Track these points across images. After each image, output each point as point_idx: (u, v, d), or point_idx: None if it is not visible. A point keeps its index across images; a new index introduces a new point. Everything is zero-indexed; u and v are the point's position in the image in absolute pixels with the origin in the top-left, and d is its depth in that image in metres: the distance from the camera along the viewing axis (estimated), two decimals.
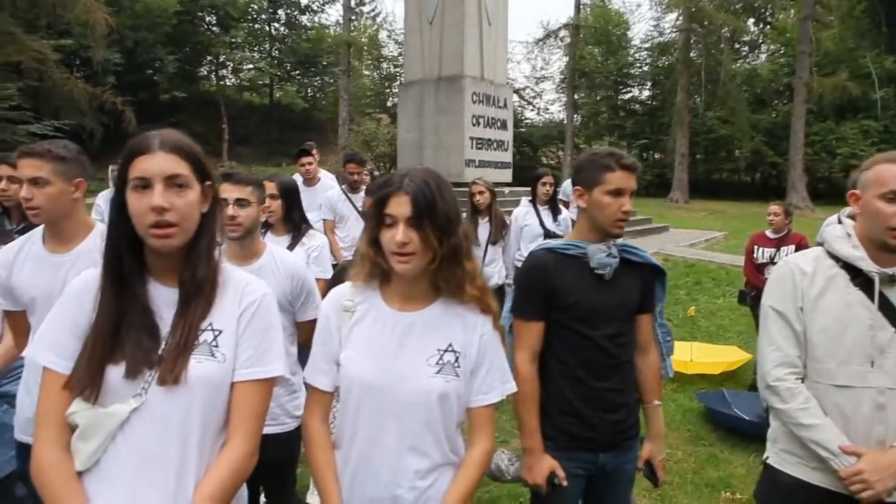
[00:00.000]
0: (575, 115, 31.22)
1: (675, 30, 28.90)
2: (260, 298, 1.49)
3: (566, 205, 6.88)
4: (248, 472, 1.43)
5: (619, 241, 2.21)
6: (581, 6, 30.63)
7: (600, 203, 2.10)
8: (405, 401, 1.56)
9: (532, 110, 36.17)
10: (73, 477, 1.32)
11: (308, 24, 35.03)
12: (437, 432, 1.59)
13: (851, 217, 1.98)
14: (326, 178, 6.15)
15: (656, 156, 30.86)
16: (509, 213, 5.96)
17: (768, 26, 30.56)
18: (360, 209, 5.42)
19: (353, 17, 30.28)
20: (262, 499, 2.78)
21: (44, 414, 1.34)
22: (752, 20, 30.48)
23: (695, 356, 5.81)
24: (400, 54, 30.72)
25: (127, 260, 1.37)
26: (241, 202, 2.42)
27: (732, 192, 27.70)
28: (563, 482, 2.11)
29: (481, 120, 12.79)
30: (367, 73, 35.64)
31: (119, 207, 1.36)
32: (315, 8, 34.45)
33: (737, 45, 31.02)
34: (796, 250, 5.28)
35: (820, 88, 22.35)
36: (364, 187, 5.57)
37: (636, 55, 33.95)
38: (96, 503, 1.31)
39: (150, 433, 1.33)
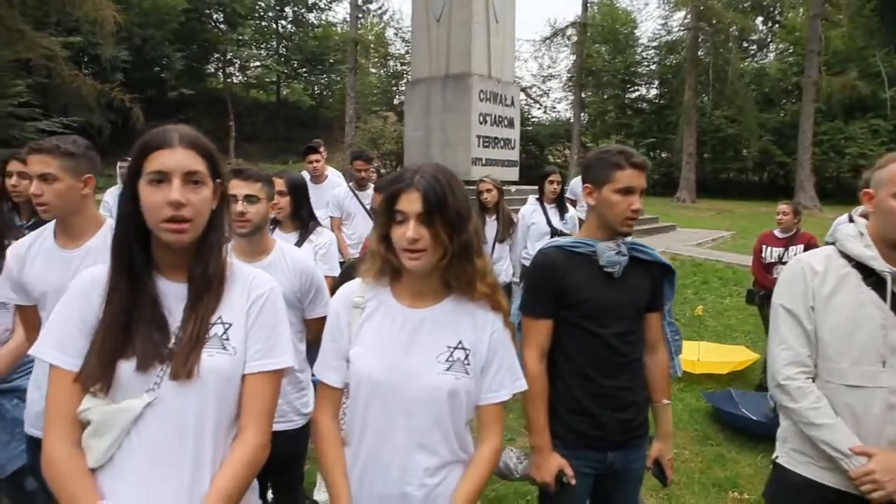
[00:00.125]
0: (582, 114, 31.14)
1: (682, 28, 28.76)
2: (268, 292, 1.51)
3: (573, 203, 6.88)
4: (261, 464, 1.44)
5: (629, 239, 2.20)
6: (588, 4, 30.54)
7: (609, 201, 2.09)
8: (414, 398, 1.55)
9: (539, 109, 36.18)
10: (86, 473, 1.32)
11: (315, 21, 35.11)
12: (446, 430, 1.58)
13: (864, 216, 1.97)
14: (334, 176, 6.16)
15: (663, 155, 30.76)
16: (516, 211, 5.95)
17: (777, 25, 30.37)
18: (367, 206, 5.42)
19: (360, 15, 30.30)
20: (270, 495, 2.78)
21: (53, 411, 1.34)
22: (760, 19, 30.31)
23: (702, 356, 5.79)
24: (407, 52, 30.69)
25: (136, 254, 1.37)
26: (250, 198, 2.42)
27: (740, 191, 27.59)
28: (571, 481, 2.10)
29: (488, 118, 12.77)
30: (373, 70, 35.64)
31: (131, 200, 1.36)
32: (322, 5, 34.50)
33: (745, 44, 30.84)
34: (805, 250, 5.25)
35: (829, 87, 22.20)
36: (371, 184, 5.58)
37: (643, 54, 33.85)
38: (110, 499, 1.31)
39: (164, 428, 1.34)
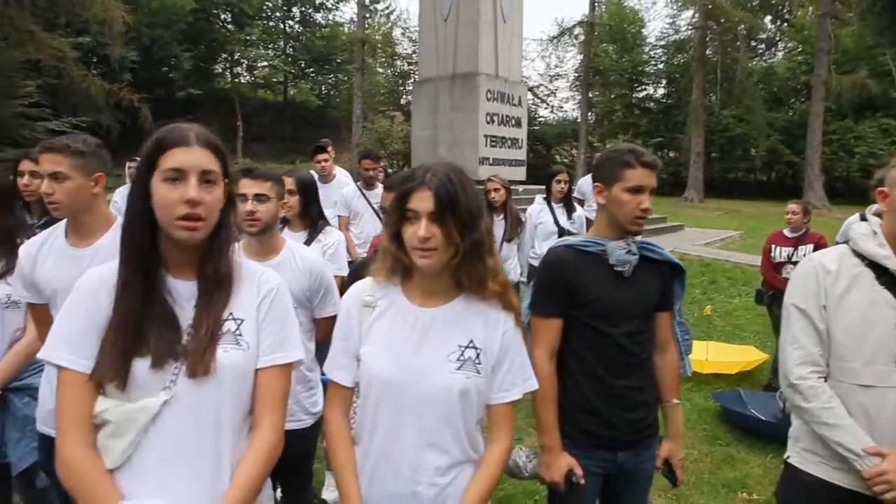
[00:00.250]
0: (589, 113, 31.07)
1: (690, 27, 28.64)
2: (276, 287, 1.53)
3: (581, 203, 6.86)
4: (277, 458, 1.47)
5: (639, 238, 2.20)
6: (596, 3, 30.49)
7: (619, 200, 2.09)
8: (425, 397, 1.55)
9: (546, 108, 36.10)
10: (105, 474, 1.33)
11: (322, 21, 35.21)
12: (457, 429, 1.58)
13: (877, 214, 1.95)
14: (342, 175, 6.17)
15: (671, 154, 30.63)
16: (523, 211, 5.94)
17: (786, 24, 30.19)
18: (375, 206, 5.43)
19: (368, 15, 30.29)
20: (279, 494, 2.79)
21: (66, 414, 1.33)
22: (769, 17, 30.13)
23: (711, 356, 5.76)
24: (414, 52, 30.70)
25: (148, 251, 1.38)
26: (260, 197, 2.42)
27: (748, 191, 27.48)
28: (580, 480, 2.10)
29: (495, 117, 12.76)
30: (381, 70, 35.68)
31: (143, 196, 1.36)
32: (329, 5, 34.59)
33: (753, 43, 30.65)
34: (815, 250, 5.22)
35: (838, 86, 22.06)
36: (379, 183, 5.59)
37: (651, 53, 33.73)
38: (130, 499, 1.32)
39: (182, 425, 1.35)
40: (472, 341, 1.59)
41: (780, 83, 28.49)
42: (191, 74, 29.12)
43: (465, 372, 1.56)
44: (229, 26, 31.17)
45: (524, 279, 5.78)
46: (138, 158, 1.41)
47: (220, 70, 33.46)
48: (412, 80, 28.82)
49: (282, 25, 34.14)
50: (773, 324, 5.83)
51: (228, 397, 1.40)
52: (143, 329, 1.34)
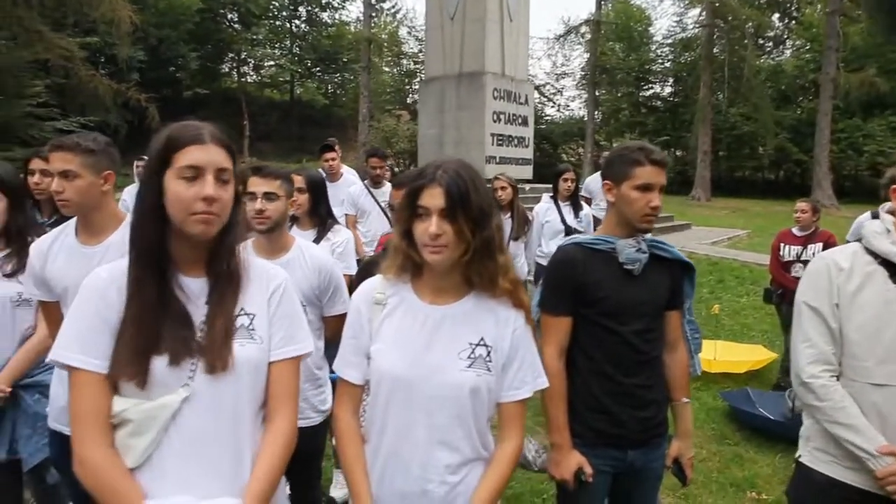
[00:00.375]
0: (595, 112, 30.99)
1: (697, 25, 28.50)
2: (283, 282, 1.56)
3: (588, 201, 6.84)
4: (293, 449, 1.49)
5: (648, 236, 2.19)
6: (602, 2, 30.37)
7: (628, 198, 2.08)
8: (436, 394, 1.55)
9: (552, 107, 36.04)
10: (127, 473, 1.33)
11: (328, 20, 35.23)
12: (467, 427, 1.58)
13: (891, 212, 1.94)
14: (349, 174, 6.19)
15: (678, 153, 30.55)
16: (530, 209, 5.93)
17: (794, 21, 30.04)
18: (382, 204, 5.44)
19: (374, 14, 30.32)
20: (287, 491, 2.79)
21: (83, 415, 1.32)
22: (777, 15, 29.98)
23: (719, 355, 5.75)
24: (420, 51, 30.71)
25: (161, 248, 1.38)
26: (269, 196, 2.43)
27: (755, 189, 27.36)
28: (589, 479, 2.09)
29: (502, 116, 12.73)
30: (387, 69, 35.68)
31: (156, 193, 1.36)
32: (336, 5, 34.60)
33: (761, 41, 30.50)
34: (824, 248, 5.18)
35: (847, 84, 21.93)
36: (386, 182, 5.59)
37: (658, 51, 33.62)
38: (153, 498, 1.32)
39: (202, 421, 1.36)
40: (482, 339, 1.59)
41: (788, 81, 28.32)
42: (198, 74, 29.23)
43: (475, 370, 1.56)
44: (236, 26, 31.26)
45: (531, 278, 5.77)
46: (146, 157, 1.41)
47: (226, 69, 33.54)
48: (418, 79, 28.80)
49: (288, 25, 34.21)
50: (782, 323, 5.81)
51: (246, 391, 1.42)
52: (158, 326, 1.35)
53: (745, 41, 25.97)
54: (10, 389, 2.41)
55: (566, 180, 5.75)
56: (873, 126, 23.94)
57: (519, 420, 1.66)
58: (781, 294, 5.57)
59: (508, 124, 12.90)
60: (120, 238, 2.21)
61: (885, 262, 1.85)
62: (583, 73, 33.43)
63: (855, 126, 24.27)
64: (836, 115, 23.16)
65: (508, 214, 5.50)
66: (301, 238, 2.71)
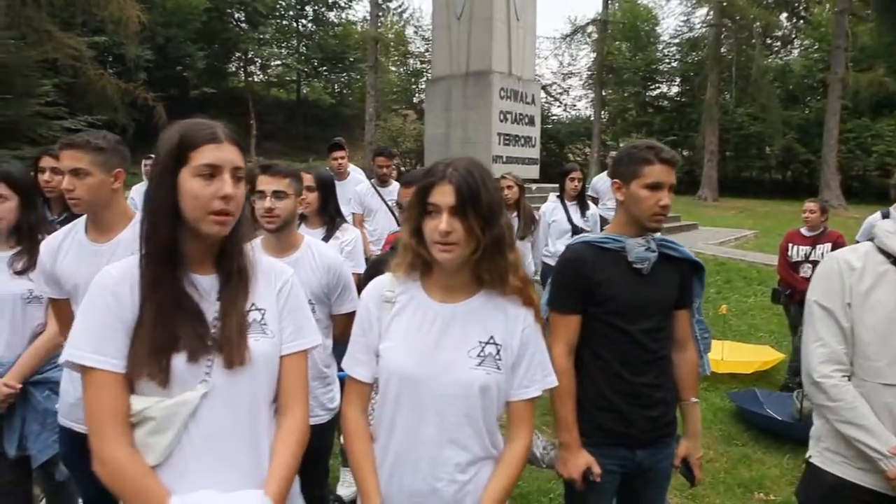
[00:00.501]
0: (602, 112, 30.92)
1: (705, 25, 28.41)
2: (289, 278, 1.59)
3: (595, 201, 6.83)
4: (308, 439, 1.52)
5: (658, 235, 2.18)
6: (609, 1, 30.32)
7: (637, 196, 2.07)
8: (445, 393, 1.54)
9: (559, 107, 36.00)
10: (149, 471, 1.33)
11: (335, 20, 35.21)
12: (477, 425, 1.57)
13: None
14: (356, 173, 6.20)
15: (685, 153, 30.37)
16: (536, 209, 5.92)
17: (802, 21, 29.85)
18: (389, 203, 5.44)
19: (381, 13, 30.38)
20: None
21: (101, 414, 1.32)
22: (785, 14, 29.77)
23: (726, 355, 5.72)
24: (426, 50, 30.73)
25: (174, 246, 1.38)
26: (278, 194, 2.42)
27: (762, 190, 27.23)
28: (597, 479, 2.09)
29: (509, 116, 12.73)
30: (393, 69, 35.69)
31: (170, 191, 1.35)
32: (342, 4, 34.57)
33: (769, 41, 30.34)
34: (832, 249, 5.16)
35: (855, 84, 21.80)
36: (393, 181, 5.60)
37: (665, 51, 33.49)
38: (176, 493, 1.33)
39: (220, 415, 1.37)
40: (492, 337, 1.58)
41: (795, 81, 28.18)
42: (205, 73, 29.27)
43: (485, 368, 1.55)
44: (243, 25, 31.30)
45: (537, 278, 5.76)
46: (153, 156, 1.41)
47: (233, 69, 33.60)
48: (425, 79, 28.82)
49: (295, 24, 34.23)
50: (790, 323, 5.78)
51: (262, 385, 1.45)
52: (174, 325, 1.35)
53: (753, 41, 25.84)
54: (20, 386, 2.42)
55: (573, 180, 5.74)
56: (882, 126, 23.78)
57: (528, 419, 1.66)
58: (789, 294, 5.55)
59: (515, 124, 12.90)
60: (129, 236, 2.22)
61: None
62: (589, 72, 33.41)
63: (863, 126, 24.11)
64: (845, 115, 23.02)
65: (515, 214, 5.49)
66: (310, 236, 2.72)
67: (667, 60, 33.37)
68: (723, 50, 26.22)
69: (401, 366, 1.58)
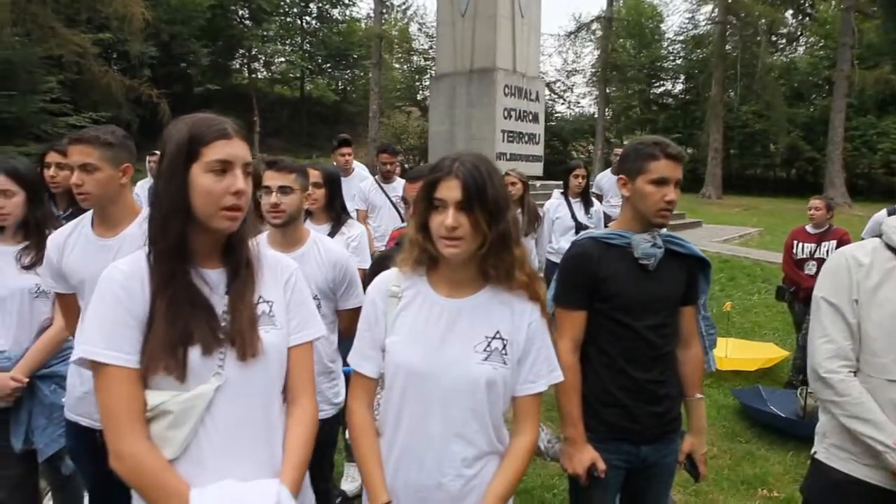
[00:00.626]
0: (606, 109, 30.89)
1: (710, 22, 28.34)
2: (294, 271, 1.60)
3: (599, 198, 6.82)
4: (317, 427, 1.56)
5: (664, 231, 2.18)
6: None
7: (643, 192, 2.06)
8: (451, 387, 1.55)
9: (563, 104, 35.96)
10: (168, 465, 1.34)
11: (339, 17, 35.17)
12: (483, 420, 1.57)
13: None
14: (360, 169, 6.21)
15: (689, 150, 30.34)
16: (540, 206, 5.92)
17: (808, 18, 29.75)
18: (393, 199, 5.45)
19: (384, 10, 30.32)
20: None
21: (117, 410, 1.31)
22: (790, 12, 29.67)
23: (730, 352, 5.71)
24: (430, 47, 30.74)
25: (184, 241, 1.38)
26: (284, 189, 2.43)
27: (767, 187, 27.20)
28: (601, 474, 2.09)
29: (513, 113, 12.71)
30: (397, 66, 35.71)
31: (181, 187, 1.34)
32: (346, 1, 34.55)
33: (774, 38, 30.21)
34: (838, 246, 5.15)
35: (861, 82, 21.71)
36: (397, 177, 5.61)
37: (670, 48, 33.48)
38: (194, 485, 1.33)
39: (234, 407, 1.38)
40: (498, 332, 1.58)
41: (801, 78, 28.13)
42: (208, 70, 29.29)
43: (491, 363, 1.56)
44: (247, 22, 31.28)
45: (541, 275, 5.76)
46: (159, 152, 1.41)
47: (237, 66, 33.59)
48: (429, 76, 28.82)
49: (299, 21, 34.20)
50: (794, 321, 5.77)
51: (274, 376, 1.47)
52: (187, 319, 1.36)
53: (758, 38, 25.76)
54: (27, 380, 2.43)
55: (577, 177, 5.74)
56: (888, 124, 23.73)
57: (534, 414, 1.66)
58: (794, 292, 5.54)
59: (519, 121, 12.88)
60: (136, 231, 2.22)
61: None
62: (593, 69, 33.34)
63: (869, 124, 24.05)
64: (850, 113, 22.95)
65: (519, 210, 5.49)
66: (315, 232, 2.72)
67: (671, 58, 33.34)
68: (728, 47, 26.13)
69: (407, 360, 1.58)
